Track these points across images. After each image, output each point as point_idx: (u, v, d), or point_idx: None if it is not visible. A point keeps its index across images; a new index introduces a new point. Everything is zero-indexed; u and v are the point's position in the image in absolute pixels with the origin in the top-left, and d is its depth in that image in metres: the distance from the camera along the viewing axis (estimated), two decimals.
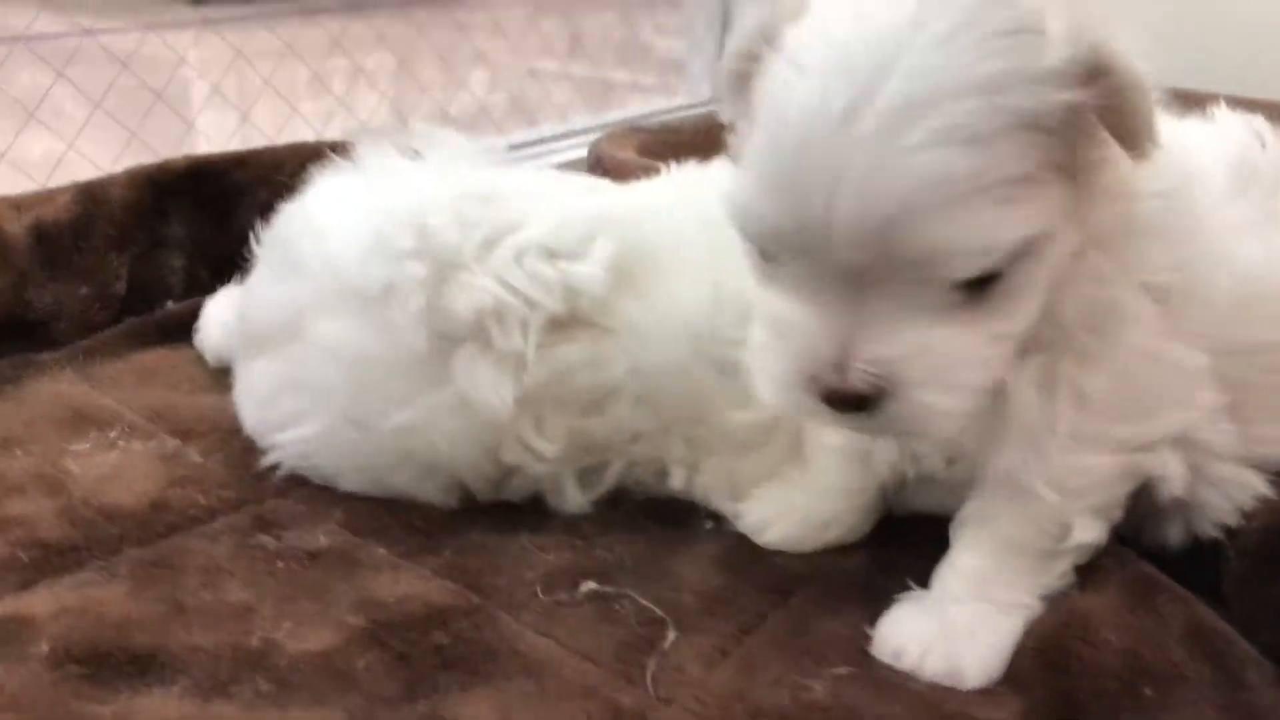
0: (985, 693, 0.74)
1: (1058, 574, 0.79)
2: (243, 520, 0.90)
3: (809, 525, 0.89)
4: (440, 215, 0.89)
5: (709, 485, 0.93)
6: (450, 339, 0.87)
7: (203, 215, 1.31)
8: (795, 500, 0.90)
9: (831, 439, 0.88)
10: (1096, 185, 0.67)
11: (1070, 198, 0.65)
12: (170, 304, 1.27)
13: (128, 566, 0.83)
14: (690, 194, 0.97)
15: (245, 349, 1.00)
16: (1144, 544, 0.86)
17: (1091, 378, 0.73)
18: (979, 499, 0.80)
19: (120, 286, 1.23)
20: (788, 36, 0.65)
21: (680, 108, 2.16)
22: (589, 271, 0.89)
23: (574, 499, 0.93)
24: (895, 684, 0.75)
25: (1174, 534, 0.86)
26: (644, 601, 0.82)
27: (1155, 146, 0.65)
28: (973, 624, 0.77)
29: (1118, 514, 0.80)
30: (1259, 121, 0.88)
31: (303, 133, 1.67)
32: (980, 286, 0.63)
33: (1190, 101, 0.84)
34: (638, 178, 1.07)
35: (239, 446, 0.99)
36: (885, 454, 0.83)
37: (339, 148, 1.07)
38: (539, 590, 0.83)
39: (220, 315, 1.16)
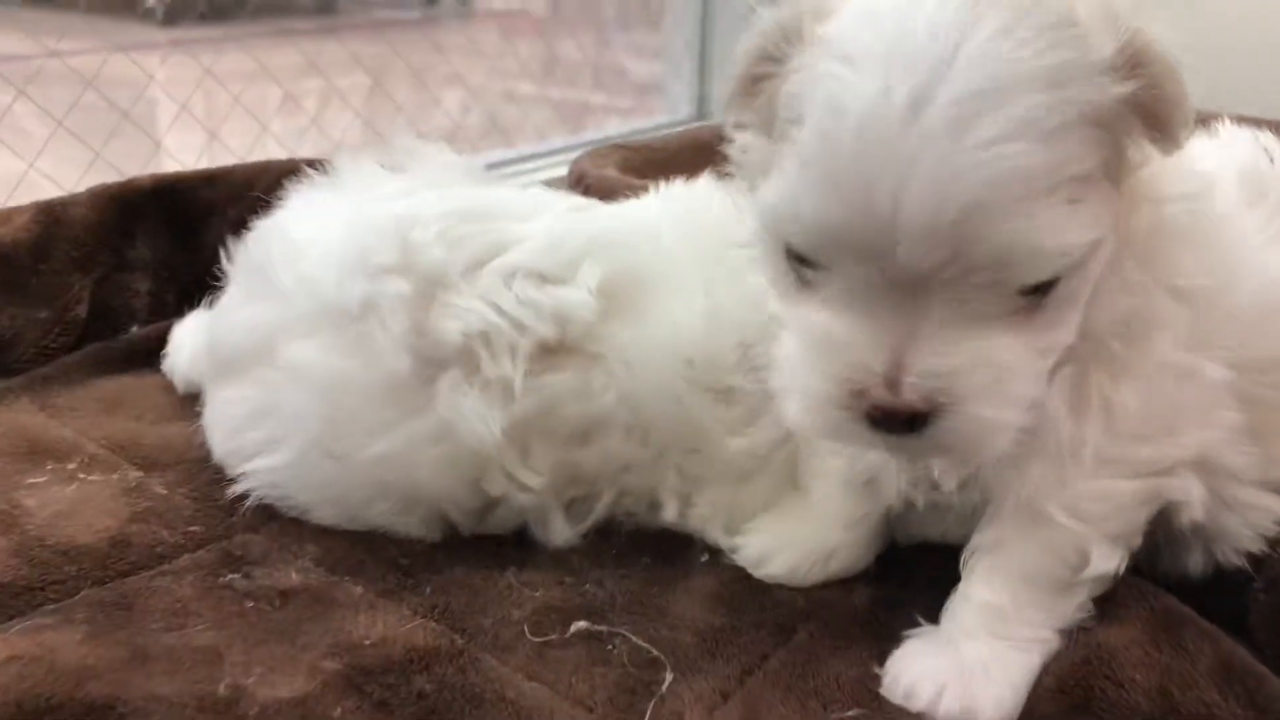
0: None
1: (1075, 606, 0.76)
2: (210, 557, 0.86)
3: (810, 557, 0.86)
4: (426, 231, 0.85)
5: (704, 517, 0.90)
6: (434, 363, 0.83)
7: (170, 236, 1.26)
8: (795, 531, 0.87)
9: (832, 465, 0.85)
10: (1134, 188, 0.65)
11: (1115, 201, 0.63)
12: (135, 329, 1.22)
13: (85, 609, 0.79)
14: (679, 213, 0.94)
15: (215, 373, 0.96)
16: (1161, 573, 0.83)
17: (1122, 391, 0.70)
18: (991, 527, 0.77)
19: (82, 310, 1.19)
20: (825, 31, 0.62)
21: (660, 127, 2.14)
22: (578, 297, 0.85)
23: (561, 532, 0.89)
24: None
25: (1194, 562, 0.83)
26: (639, 641, 0.79)
27: (1189, 137, 0.63)
28: (988, 661, 0.74)
29: (1137, 541, 0.77)
30: (1266, 137, 0.87)
31: (274, 153, 1.63)
32: (1038, 294, 0.60)
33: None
34: (622, 195, 1.04)
35: (207, 478, 0.95)
36: (894, 480, 0.79)
37: (315, 164, 1.03)
38: (527, 630, 0.80)
39: (190, 339, 1.11)
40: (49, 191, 1.28)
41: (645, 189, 1.02)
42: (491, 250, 0.86)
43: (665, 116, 2.25)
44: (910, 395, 0.60)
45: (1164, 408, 0.72)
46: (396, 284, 0.83)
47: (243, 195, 1.25)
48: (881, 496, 0.82)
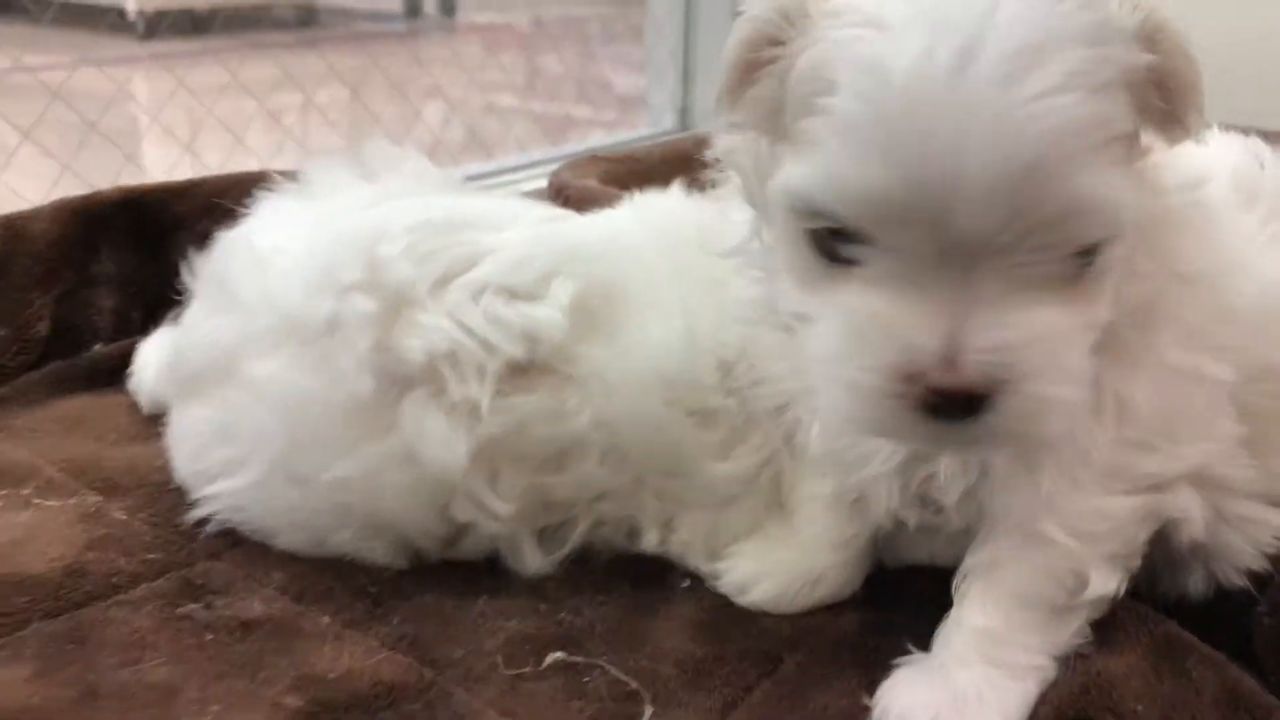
0: None
1: (1073, 631, 0.74)
2: (169, 586, 0.83)
3: (796, 582, 0.83)
4: (393, 245, 0.82)
5: (685, 542, 0.87)
6: (398, 384, 0.80)
7: (136, 250, 1.23)
8: (780, 556, 0.84)
9: (819, 487, 0.82)
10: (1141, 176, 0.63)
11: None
12: (99, 347, 1.19)
13: (35, 643, 0.75)
14: (655, 225, 0.91)
15: (177, 391, 0.93)
16: (1160, 595, 0.81)
17: (1134, 388, 0.68)
18: (984, 548, 0.74)
19: (43, 328, 1.15)
20: (837, 3, 0.59)
21: (643, 139, 2.12)
22: (548, 316, 0.82)
23: (534, 561, 0.85)
24: None
25: (1194, 583, 0.81)
26: (617, 673, 0.76)
27: (1199, 126, 0.62)
28: (982, 690, 0.71)
29: (1136, 562, 0.75)
30: (1256, 143, 0.85)
31: (251, 167, 1.61)
32: (1085, 261, 0.58)
33: None
34: (604, 207, 1.00)
35: (169, 503, 0.91)
36: (884, 498, 0.76)
37: (287, 175, 1.00)
38: (500, 662, 0.76)
39: (156, 356, 1.07)
40: (20, 207, 1.24)
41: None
42: (461, 264, 0.82)
43: (648, 129, 2.25)
44: (972, 373, 0.56)
45: (1171, 411, 0.70)
46: (362, 301, 0.80)
47: (211, 209, 1.21)
48: (871, 516, 0.79)
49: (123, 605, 0.80)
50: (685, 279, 0.84)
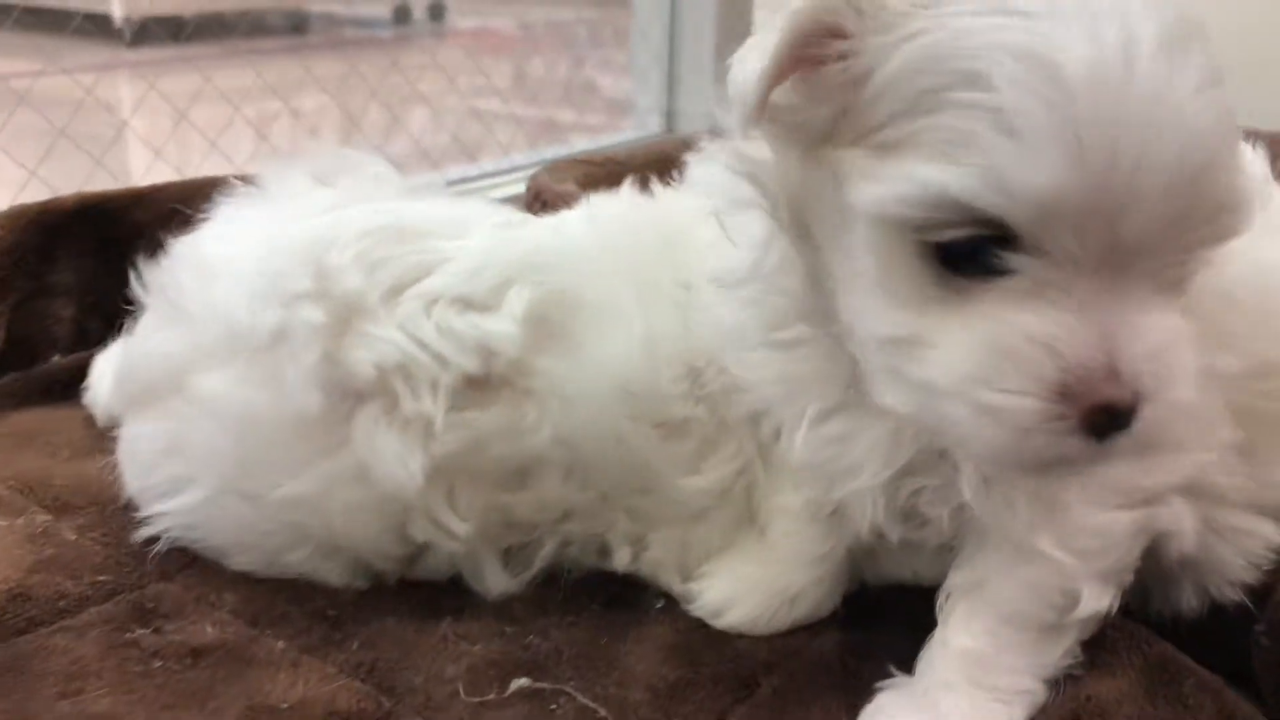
0: None
1: (1063, 652, 0.71)
2: (117, 610, 0.80)
3: (773, 602, 0.81)
4: (343, 253, 0.79)
5: (658, 561, 0.84)
6: (349, 398, 0.77)
7: (96, 259, 1.19)
8: (755, 574, 0.82)
9: (793, 500, 0.79)
10: None
11: None
12: (56, 358, 1.16)
13: None
14: (611, 232, 0.87)
15: (128, 406, 0.89)
16: (1153, 613, 0.79)
17: None
18: (970, 566, 0.72)
19: None
20: None
21: (628, 142, 2.11)
22: (502, 328, 0.78)
23: (496, 582, 0.83)
24: None
25: (1187, 600, 0.78)
26: (585, 700, 0.73)
27: None
28: (968, 716, 0.70)
29: (1129, 578, 0.72)
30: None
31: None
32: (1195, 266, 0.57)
33: None
34: None
35: (120, 522, 0.88)
36: (866, 510, 0.71)
37: (249, 179, 0.96)
38: (461, 689, 0.74)
39: (112, 368, 1.03)
40: None
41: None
42: (413, 273, 0.79)
43: (634, 133, 2.23)
44: (1135, 385, 0.53)
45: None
46: (310, 312, 0.77)
47: (173, 216, 1.17)
48: (849, 529, 0.76)
49: (67, 631, 0.77)
50: (643, 284, 0.81)
